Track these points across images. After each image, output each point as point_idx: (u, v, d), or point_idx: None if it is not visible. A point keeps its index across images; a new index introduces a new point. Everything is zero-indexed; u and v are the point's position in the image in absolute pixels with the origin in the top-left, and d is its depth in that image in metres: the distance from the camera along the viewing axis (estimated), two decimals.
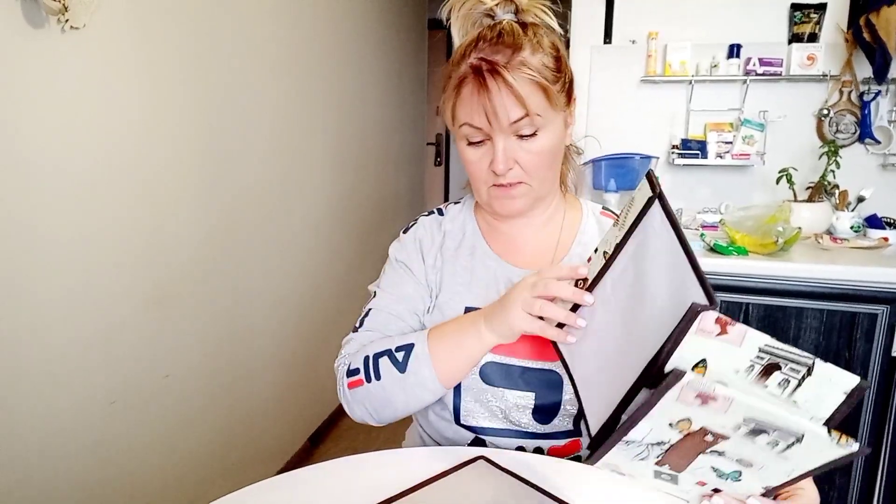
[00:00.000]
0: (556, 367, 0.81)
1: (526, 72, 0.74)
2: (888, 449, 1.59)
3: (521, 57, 0.74)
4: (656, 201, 0.58)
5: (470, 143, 0.79)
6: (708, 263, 1.64)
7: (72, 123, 1.17)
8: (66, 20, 1.10)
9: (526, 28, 0.78)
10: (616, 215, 0.94)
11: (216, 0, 1.61)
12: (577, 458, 0.85)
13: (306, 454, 2.33)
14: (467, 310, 0.84)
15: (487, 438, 0.86)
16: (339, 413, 2.58)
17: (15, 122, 1.06)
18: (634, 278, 0.60)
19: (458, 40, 0.81)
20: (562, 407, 0.82)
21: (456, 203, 0.96)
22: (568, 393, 0.82)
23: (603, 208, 0.95)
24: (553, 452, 0.85)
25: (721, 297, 1.63)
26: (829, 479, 1.63)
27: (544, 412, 0.83)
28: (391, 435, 2.53)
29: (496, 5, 0.79)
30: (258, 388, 1.95)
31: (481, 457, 0.77)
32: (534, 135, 0.77)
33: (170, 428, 1.51)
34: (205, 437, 1.66)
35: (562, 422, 0.83)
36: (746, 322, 1.62)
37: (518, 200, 0.81)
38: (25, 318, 1.11)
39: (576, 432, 0.85)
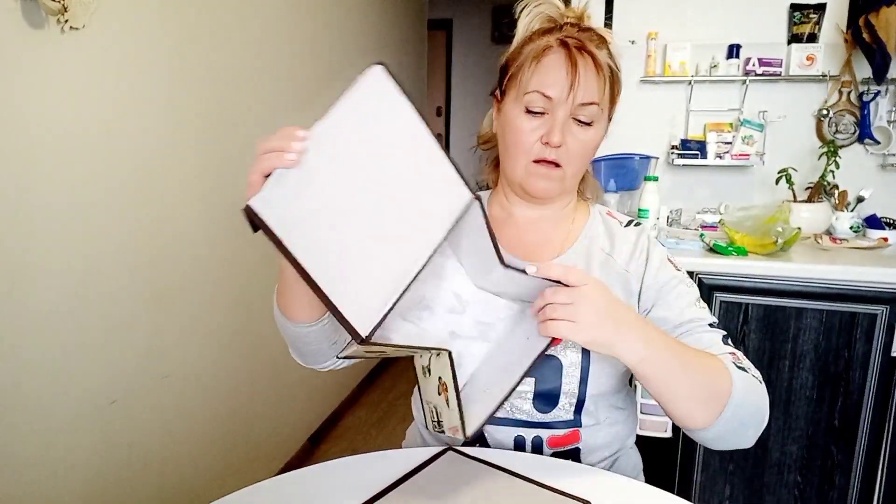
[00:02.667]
0: (555, 352, 0.82)
1: (605, 63, 0.81)
2: (888, 449, 1.59)
3: (602, 51, 0.81)
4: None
5: (527, 112, 0.81)
6: (707, 264, 1.64)
7: (71, 124, 1.17)
8: (66, 20, 1.11)
9: None
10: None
11: (216, 0, 1.61)
12: (577, 451, 0.85)
13: (306, 454, 2.33)
14: None
15: (487, 428, 0.86)
16: (339, 413, 2.58)
17: (15, 122, 1.06)
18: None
19: (521, 32, 0.86)
20: (561, 395, 0.83)
21: None
22: (567, 382, 0.83)
23: (608, 211, 0.96)
24: (553, 443, 0.85)
25: (721, 297, 1.63)
26: (829, 479, 1.63)
27: (544, 399, 0.83)
28: (391, 435, 2.54)
29: (564, 17, 0.84)
30: (258, 387, 1.95)
31: (448, 448, 0.80)
32: (589, 125, 0.81)
33: (170, 428, 1.51)
34: (205, 436, 1.67)
35: (562, 411, 0.84)
36: (745, 323, 1.62)
37: (553, 183, 0.84)
38: (26, 317, 1.11)
39: (575, 422, 0.85)
